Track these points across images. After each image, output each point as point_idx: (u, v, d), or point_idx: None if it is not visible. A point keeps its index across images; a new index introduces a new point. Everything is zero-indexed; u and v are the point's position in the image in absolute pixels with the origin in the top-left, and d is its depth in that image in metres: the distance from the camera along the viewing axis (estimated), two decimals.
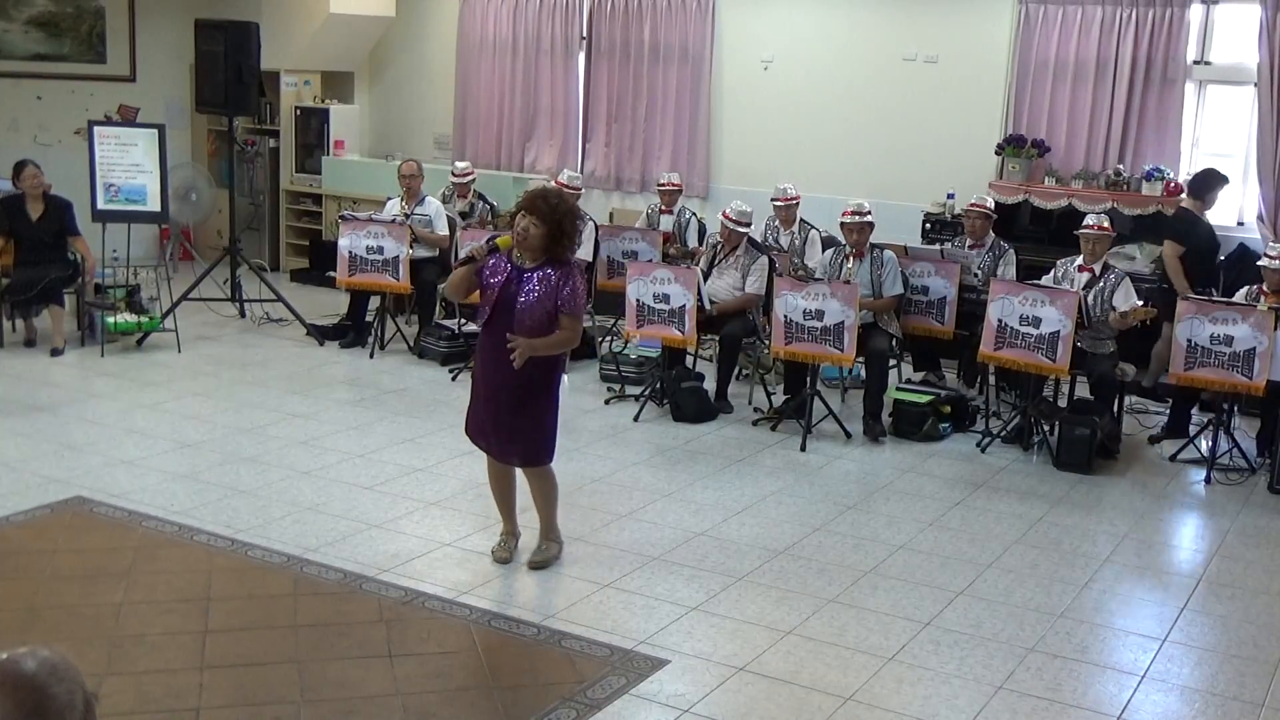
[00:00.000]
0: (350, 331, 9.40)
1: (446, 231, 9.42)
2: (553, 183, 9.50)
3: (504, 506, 5.43)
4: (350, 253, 8.96)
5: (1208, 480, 6.96)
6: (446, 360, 8.80)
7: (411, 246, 9.00)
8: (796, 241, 8.80)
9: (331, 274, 9.47)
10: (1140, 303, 7.31)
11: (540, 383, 5.12)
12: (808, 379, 7.53)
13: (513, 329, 4.99)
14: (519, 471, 5.36)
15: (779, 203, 8.87)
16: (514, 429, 5.16)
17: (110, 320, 8.93)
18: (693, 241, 9.39)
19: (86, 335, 9.08)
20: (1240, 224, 9.32)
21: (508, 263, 5.06)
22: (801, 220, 8.93)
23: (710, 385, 8.02)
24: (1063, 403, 7.65)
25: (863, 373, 7.83)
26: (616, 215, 11.28)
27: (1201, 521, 6.51)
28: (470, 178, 9.98)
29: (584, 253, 8.30)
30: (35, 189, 8.83)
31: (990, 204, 8.43)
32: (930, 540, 5.90)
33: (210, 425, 7.21)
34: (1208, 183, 8.36)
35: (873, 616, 5.00)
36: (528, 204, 5.02)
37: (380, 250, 8.90)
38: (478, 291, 5.17)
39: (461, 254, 5.03)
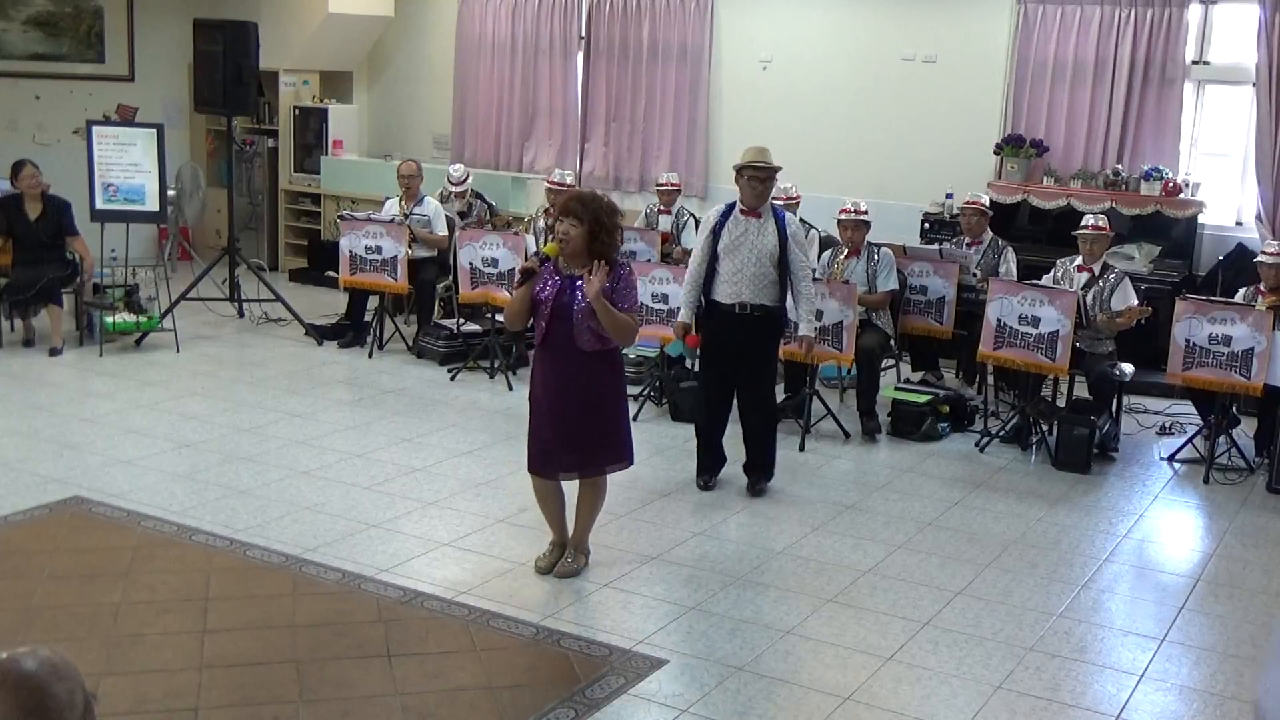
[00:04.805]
0: (349, 331, 9.39)
1: (445, 232, 9.41)
2: (546, 182, 9.50)
3: (556, 519, 5.32)
4: (351, 252, 8.97)
5: (1206, 480, 6.96)
6: (445, 360, 8.80)
7: (410, 246, 9.00)
8: None
9: (331, 274, 9.44)
10: (1136, 302, 7.31)
11: (609, 385, 5.10)
12: (806, 378, 7.54)
13: (572, 337, 4.96)
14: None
15: (778, 203, 8.85)
16: (592, 436, 5.10)
17: (109, 320, 8.93)
18: (691, 241, 9.38)
19: (85, 335, 9.07)
20: (1239, 224, 9.33)
21: (556, 273, 5.02)
22: (801, 220, 8.91)
23: None
24: (1061, 402, 7.65)
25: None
26: None
27: (1200, 521, 6.51)
28: (466, 185, 9.91)
29: None
30: (34, 189, 8.81)
31: (985, 201, 8.44)
32: (929, 540, 5.90)
33: (209, 425, 7.21)
34: None
35: (871, 616, 5.00)
36: (562, 208, 5.01)
37: (379, 250, 8.90)
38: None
39: (516, 275, 5.00)
